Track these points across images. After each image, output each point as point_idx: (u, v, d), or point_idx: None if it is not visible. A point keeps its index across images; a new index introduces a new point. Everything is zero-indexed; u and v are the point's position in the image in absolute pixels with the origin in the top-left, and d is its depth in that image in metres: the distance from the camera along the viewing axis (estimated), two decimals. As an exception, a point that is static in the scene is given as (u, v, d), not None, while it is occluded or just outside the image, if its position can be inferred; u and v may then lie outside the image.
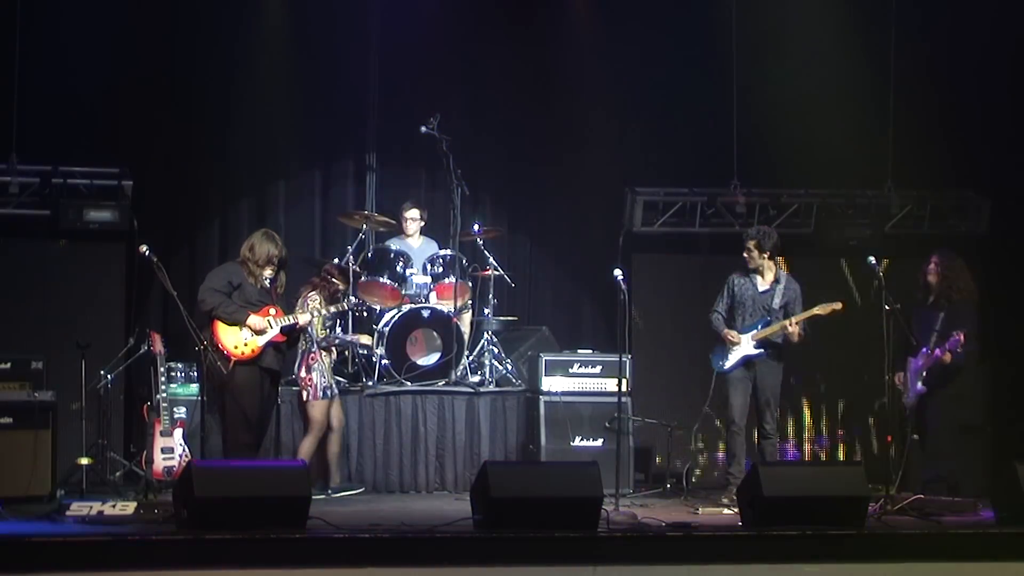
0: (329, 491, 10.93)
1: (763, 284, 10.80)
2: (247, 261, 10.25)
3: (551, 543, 8.28)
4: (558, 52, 13.07)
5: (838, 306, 10.61)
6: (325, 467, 11.12)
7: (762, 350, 10.68)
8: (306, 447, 10.99)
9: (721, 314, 10.88)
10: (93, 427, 10.97)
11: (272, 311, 10.22)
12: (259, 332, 10.13)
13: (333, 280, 11.20)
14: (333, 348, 11.25)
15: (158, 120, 12.42)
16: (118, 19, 12.09)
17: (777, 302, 10.70)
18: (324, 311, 11.00)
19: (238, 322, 10.09)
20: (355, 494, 11.03)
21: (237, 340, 10.08)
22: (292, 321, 10.35)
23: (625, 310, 10.33)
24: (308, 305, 10.91)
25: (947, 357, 10.42)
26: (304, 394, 10.99)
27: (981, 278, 11.45)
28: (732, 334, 10.72)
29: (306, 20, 12.79)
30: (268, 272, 10.25)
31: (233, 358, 10.01)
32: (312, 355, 10.97)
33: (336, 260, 11.88)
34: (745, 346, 10.69)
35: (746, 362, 10.71)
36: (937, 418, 10.56)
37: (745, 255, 10.85)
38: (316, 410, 10.98)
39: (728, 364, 10.76)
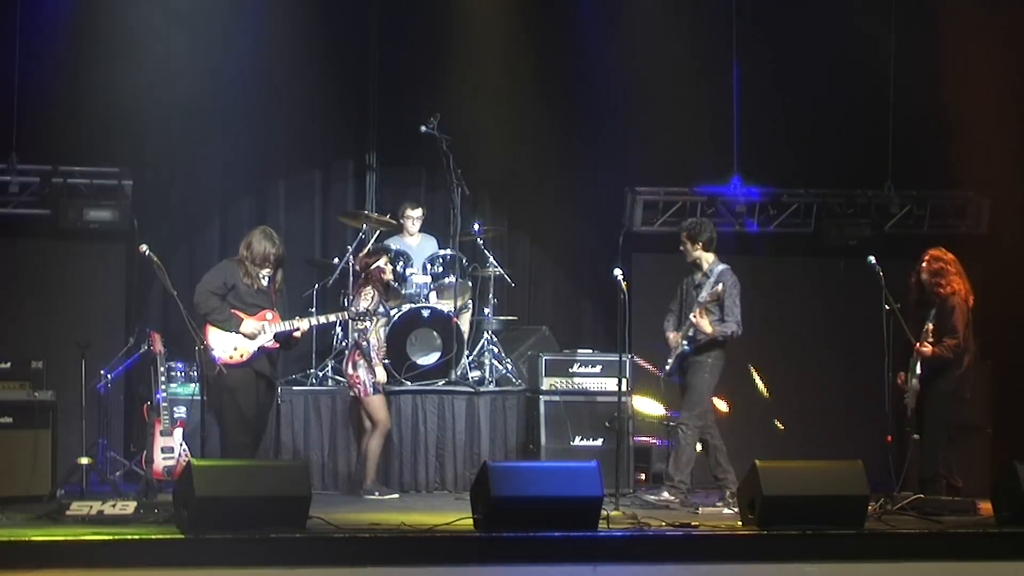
0: (362, 491, 10.93)
1: (699, 278, 10.69)
2: (244, 260, 10.17)
3: (551, 543, 8.28)
4: (558, 52, 13.07)
5: (719, 288, 10.47)
6: (361, 464, 11.11)
7: (689, 346, 10.55)
8: (373, 446, 10.95)
9: (674, 312, 10.78)
10: (93, 427, 10.97)
11: (268, 315, 10.14)
12: (251, 337, 10.05)
13: (373, 266, 11.03)
14: (374, 347, 10.98)
15: (158, 120, 12.41)
16: (118, 19, 12.10)
17: (704, 296, 10.54)
18: (375, 307, 10.89)
19: (230, 329, 10.01)
20: (389, 498, 10.94)
21: (227, 345, 10.00)
22: (289, 328, 10.23)
23: (625, 310, 10.34)
24: (360, 301, 10.86)
25: (926, 349, 10.40)
26: (354, 391, 10.98)
27: (981, 278, 11.45)
28: (669, 338, 10.66)
29: (306, 20, 12.78)
30: (266, 271, 10.20)
31: (221, 362, 9.91)
32: (357, 351, 10.92)
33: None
34: (678, 343, 10.61)
35: (681, 360, 10.62)
36: (931, 417, 10.54)
37: (681, 248, 10.74)
38: (373, 407, 10.94)
39: (669, 367, 10.73)
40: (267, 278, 10.21)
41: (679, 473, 10.54)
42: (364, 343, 10.92)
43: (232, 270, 10.20)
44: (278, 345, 10.23)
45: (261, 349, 10.10)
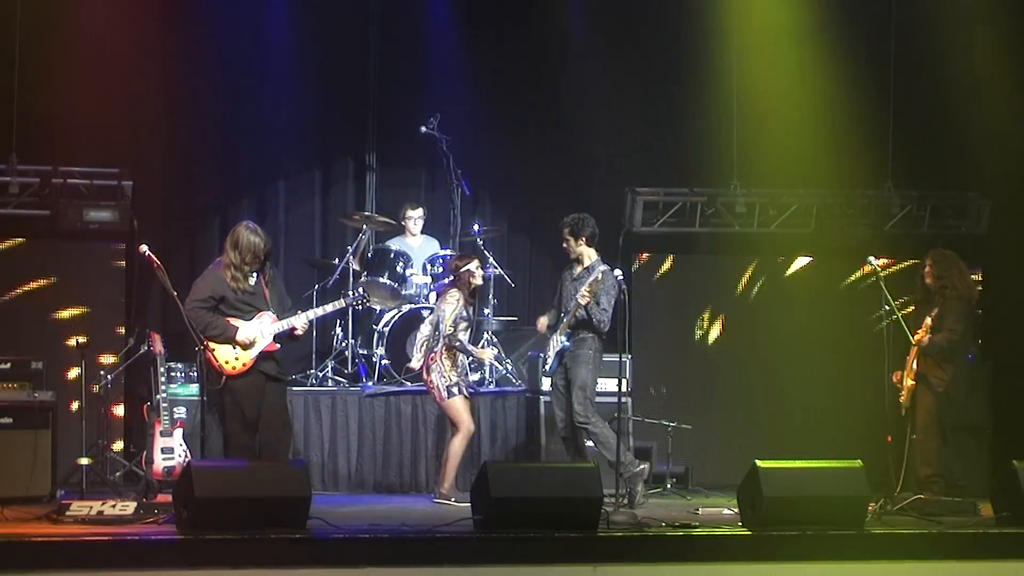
0: (437, 496, 10.69)
1: (579, 272, 10.60)
2: (231, 264, 9.81)
3: (551, 543, 8.29)
4: (558, 52, 13.07)
5: (596, 280, 10.39)
6: (440, 467, 10.88)
7: (569, 342, 10.50)
8: (454, 448, 10.67)
9: (554, 307, 10.73)
10: (93, 427, 10.96)
11: (266, 317, 9.84)
12: (248, 346, 9.82)
13: (463, 269, 10.75)
14: (455, 351, 10.70)
15: (157, 120, 12.42)
16: (118, 18, 12.10)
17: (584, 289, 10.36)
18: (462, 311, 10.68)
19: (228, 340, 9.74)
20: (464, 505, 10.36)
21: (228, 356, 9.73)
22: (286, 327, 9.93)
23: (625, 310, 10.33)
24: (445, 305, 10.65)
25: (924, 339, 10.41)
26: (434, 395, 10.79)
27: (981, 278, 11.45)
28: (540, 322, 10.65)
29: (306, 20, 12.79)
30: (254, 268, 9.85)
31: (226, 374, 9.72)
32: (432, 355, 10.66)
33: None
34: (557, 340, 10.58)
35: (561, 357, 10.57)
36: (923, 418, 10.54)
37: (564, 244, 10.67)
38: (452, 410, 10.67)
39: (549, 365, 10.70)
40: (255, 275, 9.91)
41: (624, 456, 10.29)
42: (457, 343, 10.64)
43: (217, 280, 9.84)
44: (278, 346, 9.97)
45: (262, 353, 9.88)
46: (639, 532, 8.80)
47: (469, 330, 10.84)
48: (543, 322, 10.72)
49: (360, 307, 10.87)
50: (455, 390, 10.69)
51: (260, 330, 9.82)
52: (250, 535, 8.02)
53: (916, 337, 10.42)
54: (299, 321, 10.01)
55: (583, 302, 10.34)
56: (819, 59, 12.78)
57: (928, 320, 10.42)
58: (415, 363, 10.92)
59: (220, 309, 9.81)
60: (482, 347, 11.24)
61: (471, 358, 10.90)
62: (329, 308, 10.46)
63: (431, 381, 10.69)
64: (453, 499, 10.52)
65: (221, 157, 12.71)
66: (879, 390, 10.38)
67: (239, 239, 9.83)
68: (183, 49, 12.39)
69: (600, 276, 10.35)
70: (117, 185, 11.94)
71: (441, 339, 10.63)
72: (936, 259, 10.75)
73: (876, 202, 12.95)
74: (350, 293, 10.90)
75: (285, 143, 12.93)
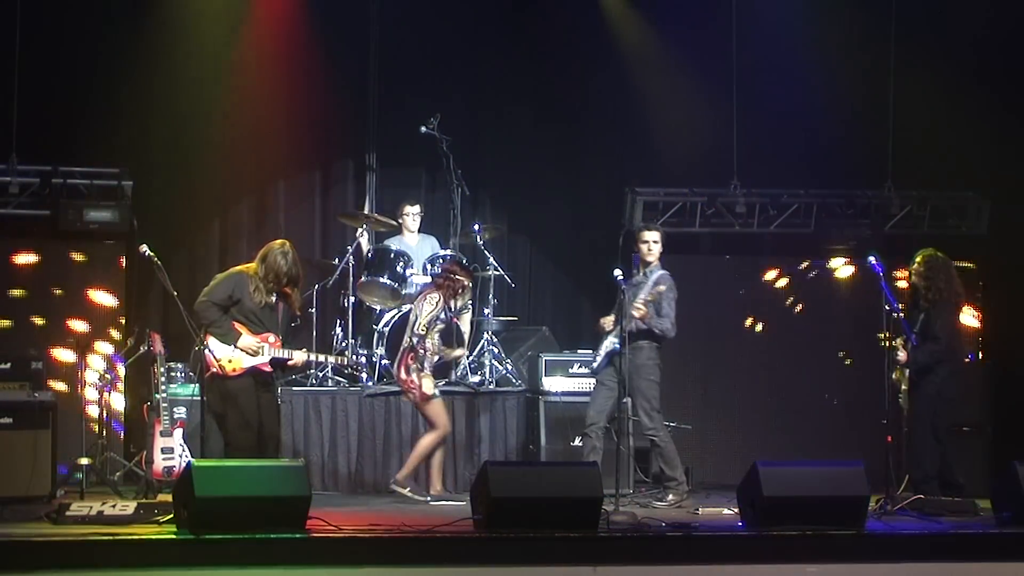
0: (428, 499, 10.68)
1: (638, 279, 10.69)
2: (255, 275, 9.84)
3: (551, 543, 8.29)
4: (558, 52, 13.07)
5: (661, 288, 10.50)
6: (427, 471, 10.91)
7: (619, 345, 10.45)
8: (425, 443, 10.71)
9: (615, 311, 10.69)
10: (93, 427, 10.96)
11: (271, 338, 9.85)
12: (251, 354, 9.77)
13: (457, 277, 10.85)
14: (429, 352, 10.74)
15: (158, 120, 12.42)
16: (118, 19, 12.11)
17: (642, 296, 10.49)
18: (439, 313, 10.71)
19: (228, 343, 9.71)
20: (454, 504, 10.33)
21: (222, 355, 9.67)
22: (286, 356, 9.94)
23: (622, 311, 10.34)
24: (425, 305, 10.69)
25: (901, 355, 10.40)
26: (411, 396, 10.75)
27: (981, 278, 11.43)
28: (606, 321, 10.64)
29: (306, 20, 12.79)
30: (275, 288, 9.87)
31: (217, 373, 9.66)
32: (411, 355, 10.66)
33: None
34: (609, 342, 10.60)
35: (610, 358, 10.58)
36: (918, 417, 10.53)
37: (645, 249, 10.71)
38: (433, 409, 10.70)
39: (596, 363, 10.74)
40: (275, 295, 9.89)
41: (674, 471, 10.58)
42: (422, 350, 10.67)
43: (242, 283, 9.85)
44: (271, 369, 9.94)
45: (253, 367, 9.82)
46: (639, 532, 8.80)
47: (442, 329, 10.91)
48: (606, 321, 10.68)
49: (357, 371, 11.43)
50: (437, 390, 10.77)
51: (262, 346, 9.82)
52: (250, 535, 8.02)
53: (896, 354, 10.39)
54: (299, 356, 10.12)
55: (637, 315, 10.41)
56: (819, 59, 12.79)
57: (899, 340, 10.40)
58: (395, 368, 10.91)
59: (231, 313, 9.82)
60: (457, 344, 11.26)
61: (440, 360, 10.91)
62: (330, 359, 10.96)
63: (412, 380, 10.67)
64: (408, 489, 10.63)
65: (221, 157, 12.71)
66: (879, 390, 10.37)
67: (267, 255, 9.89)
68: (183, 49, 12.39)
69: (664, 288, 10.48)
70: (117, 185, 11.96)
71: (414, 339, 10.67)
72: (925, 260, 10.67)
73: (876, 202, 12.97)
74: (354, 357, 11.28)
75: (285, 143, 12.93)
